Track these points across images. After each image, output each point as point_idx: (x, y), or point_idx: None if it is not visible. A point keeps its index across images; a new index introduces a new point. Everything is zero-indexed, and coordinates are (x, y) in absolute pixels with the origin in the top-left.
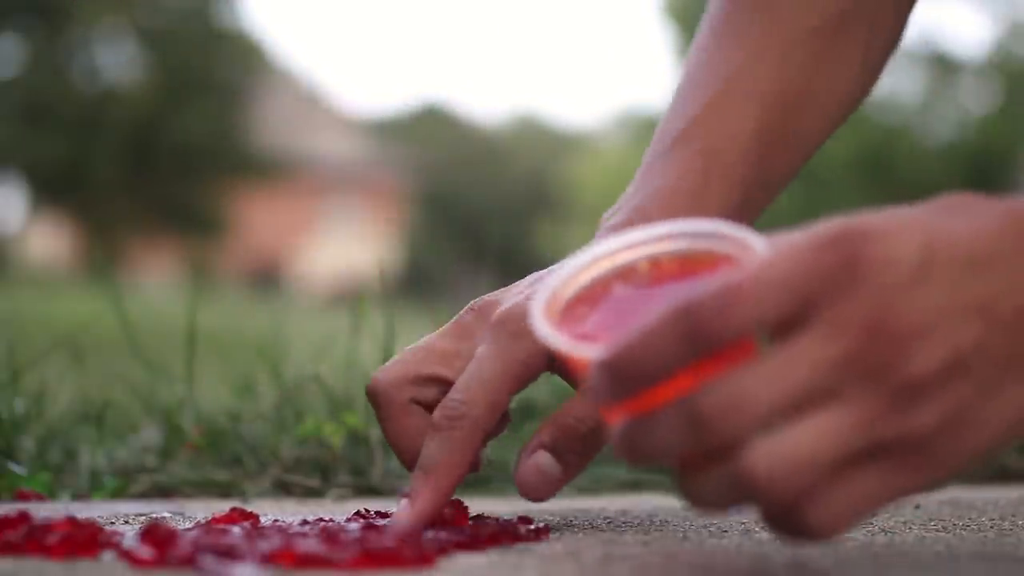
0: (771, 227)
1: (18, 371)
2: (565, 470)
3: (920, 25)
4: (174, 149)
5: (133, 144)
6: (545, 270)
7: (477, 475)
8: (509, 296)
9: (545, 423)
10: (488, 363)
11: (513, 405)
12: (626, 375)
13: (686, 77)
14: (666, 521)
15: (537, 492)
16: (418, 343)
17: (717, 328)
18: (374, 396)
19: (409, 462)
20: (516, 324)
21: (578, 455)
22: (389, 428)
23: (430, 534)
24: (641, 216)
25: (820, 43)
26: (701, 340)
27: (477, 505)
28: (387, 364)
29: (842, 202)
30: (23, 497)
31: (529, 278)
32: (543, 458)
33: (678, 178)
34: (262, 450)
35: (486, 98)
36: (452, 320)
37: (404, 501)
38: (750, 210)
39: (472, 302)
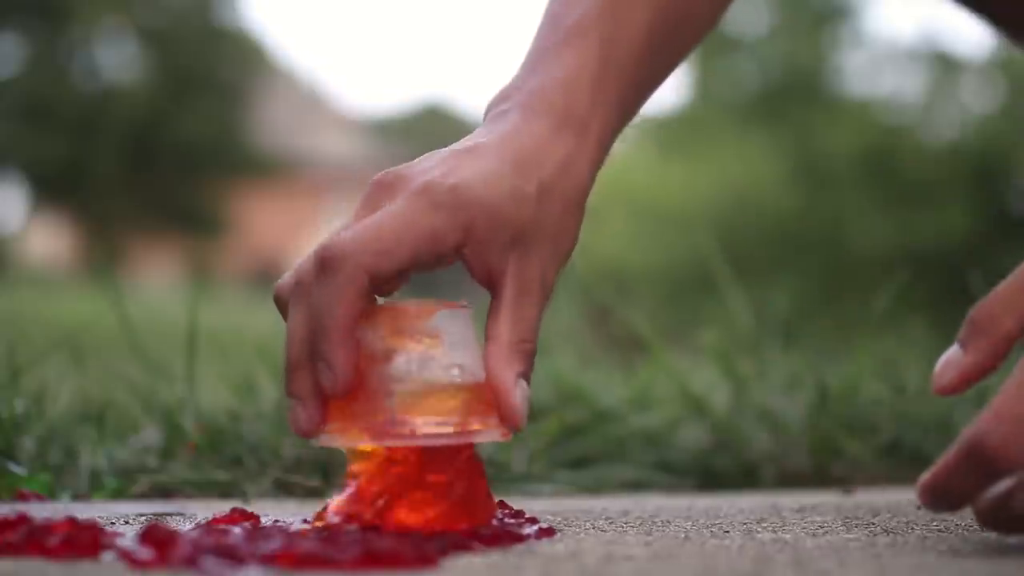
0: (775, 225)
1: (18, 371)
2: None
3: (922, 24)
4: (175, 148)
5: (133, 143)
6: (448, 149)
7: None
8: (420, 169)
9: (512, 348)
10: (393, 218)
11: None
12: (938, 500)
13: None
14: (668, 521)
15: (524, 420)
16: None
17: (1005, 460)
18: (340, 264)
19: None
20: (438, 195)
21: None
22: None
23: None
24: (540, 100)
25: None
26: (993, 471)
27: None
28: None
29: (843, 201)
30: (23, 498)
31: (431, 155)
32: (527, 387)
33: (578, 67)
34: (263, 450)
35: (486, 97)
36: (361, 200)
37: (324, 370)
38: (636, 109)
39: (377, 177)
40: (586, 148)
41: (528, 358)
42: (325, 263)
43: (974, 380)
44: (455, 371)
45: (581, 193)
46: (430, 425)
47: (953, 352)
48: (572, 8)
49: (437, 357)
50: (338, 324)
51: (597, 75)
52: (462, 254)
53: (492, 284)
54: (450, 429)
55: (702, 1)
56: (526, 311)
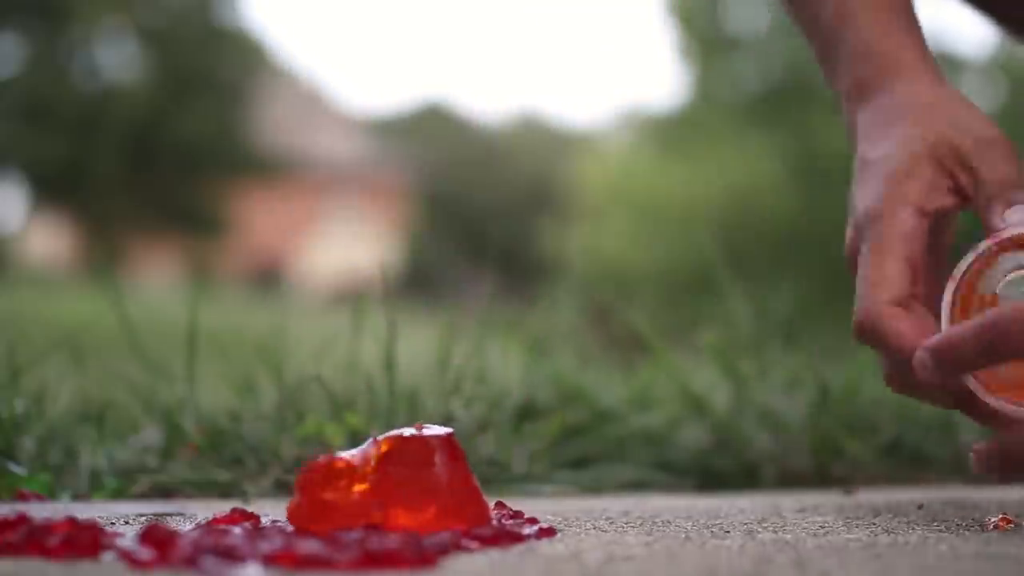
0: (775, 225)
1: (18, 371)
2: None
3: (923, 24)
4: (175, 148)
5: (134, 143)
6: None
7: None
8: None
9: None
10: (865, 265)
11: (514, 405)
12: (941, 367)
13: None
14: (669, 521)
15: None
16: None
17: (1014, 346)
18: None
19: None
20: (861, 228)
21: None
22: None
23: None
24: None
25: None
26: (1001, 352)
27: None
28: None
29: (843, 201)
30: (23, 498)
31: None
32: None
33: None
34: (263, 450)
35: (488, 97)
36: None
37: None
38: None
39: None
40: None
41: None
42: (861, 337)
43: None
44: None
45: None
46: None
47: None
48: None
49: None
50: (900, 351)
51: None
52: (965, 196)
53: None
54: None
55: None
56: None
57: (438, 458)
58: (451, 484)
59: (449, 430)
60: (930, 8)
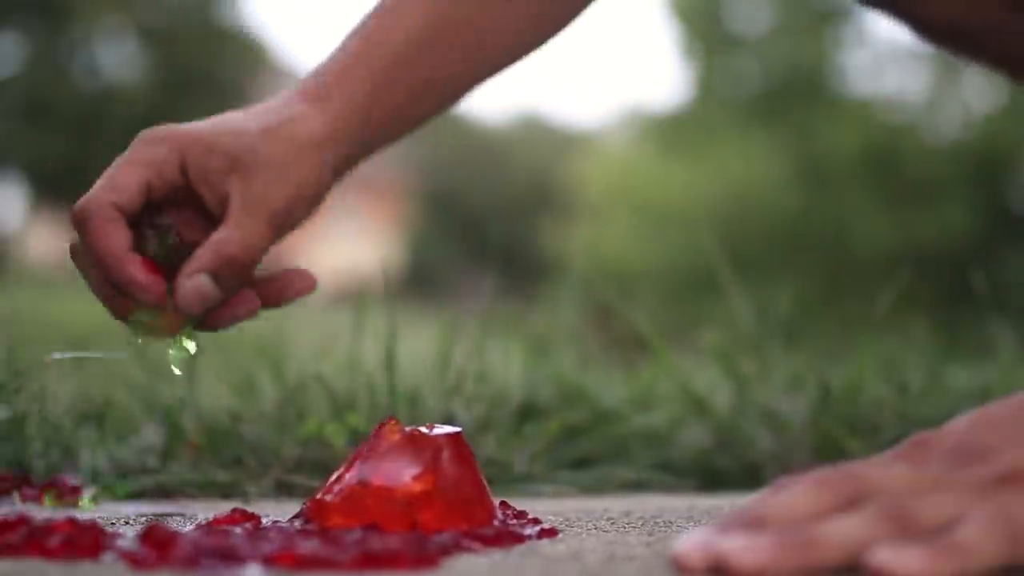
0: (776, 225)
1: (19, 371)
2: (223, 292)
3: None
4: None
5: None
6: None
7: None
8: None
9: (207, 249)
10: (121, 160)
11: (515, 404)
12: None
13: None
14: (670, 522)
15: (194, 309)
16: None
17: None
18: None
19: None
20: (156, 134)
21: (237, 281)
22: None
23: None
24: (299, 83)
25: None
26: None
27: None
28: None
29: (846, 201)
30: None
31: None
32: (203, 280)
33: (338, 59)
34: (263, 450)
35: (489, 96)
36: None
37: (135, 293)
38: (405, 100)
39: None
40: (318, 112)
41: (226, 262)
42: (75, 222)
43: None
44: None
45: (309, 138)
46: None
47: None
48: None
49: None
50: (113, 257)
51: (348, 65)
52: (189, 180)
53: (224, 209)
54: None
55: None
56: (247, 224)
57: (445, 456)
58: (458, 483)
59: (458, 429)
60: None
